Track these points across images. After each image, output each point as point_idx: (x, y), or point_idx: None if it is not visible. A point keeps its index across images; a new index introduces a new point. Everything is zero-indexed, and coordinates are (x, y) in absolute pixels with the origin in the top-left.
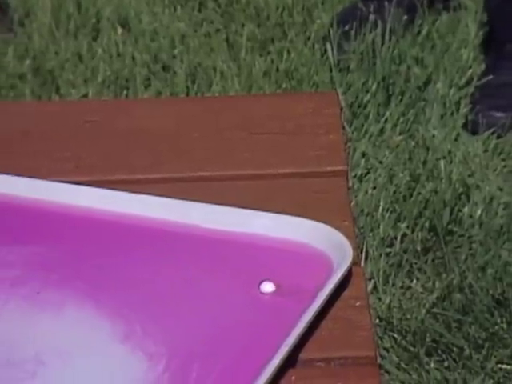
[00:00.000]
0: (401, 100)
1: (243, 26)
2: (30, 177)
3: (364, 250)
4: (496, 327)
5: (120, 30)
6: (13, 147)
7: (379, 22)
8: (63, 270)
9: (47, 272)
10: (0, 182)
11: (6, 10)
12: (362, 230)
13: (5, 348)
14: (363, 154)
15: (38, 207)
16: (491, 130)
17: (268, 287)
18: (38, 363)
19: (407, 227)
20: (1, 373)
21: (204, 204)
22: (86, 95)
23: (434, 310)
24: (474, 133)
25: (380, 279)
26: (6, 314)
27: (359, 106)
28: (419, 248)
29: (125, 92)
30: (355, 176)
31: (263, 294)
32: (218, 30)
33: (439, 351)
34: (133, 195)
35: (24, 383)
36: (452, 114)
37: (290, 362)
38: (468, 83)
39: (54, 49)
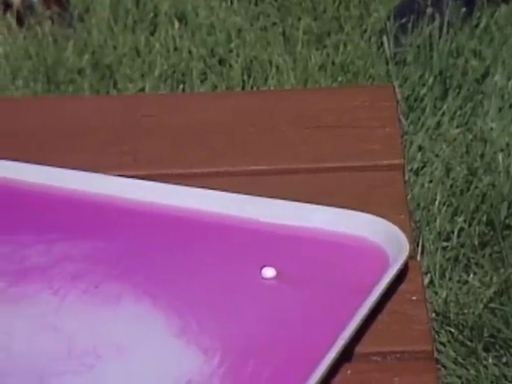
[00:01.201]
0: (458, 93)
1: (299, 19)
2: (89, 171)
3: (420, 244)
4: None
5: (177, 25)
6: (71, 141)
7: (437, 15)
8: (122, 264)
9: (106, 266)
10: (59, 177)
11: (66, 6)
12: (418, 224)
13: (66, 341)
14: (420, 148)
15: (96, 201)
16: None
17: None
18: (95, 357)
19: (464, 221)
20: (61, 365)
21: (261, 198)
22: (142, 89)
23: (492, 304)
24: None
25: (436, 273)
26: (66, 308)
27: (416, 100)
28: (476, 242)
29: (181, 86)
30: (411, 169)
31: (317, 288)
32: (274, 24)
33: (497, 346)
34: (189, 189)
35: (82, 376)
36: (510, 106)
37: (345, 356)
38: None
39: (112, 44)
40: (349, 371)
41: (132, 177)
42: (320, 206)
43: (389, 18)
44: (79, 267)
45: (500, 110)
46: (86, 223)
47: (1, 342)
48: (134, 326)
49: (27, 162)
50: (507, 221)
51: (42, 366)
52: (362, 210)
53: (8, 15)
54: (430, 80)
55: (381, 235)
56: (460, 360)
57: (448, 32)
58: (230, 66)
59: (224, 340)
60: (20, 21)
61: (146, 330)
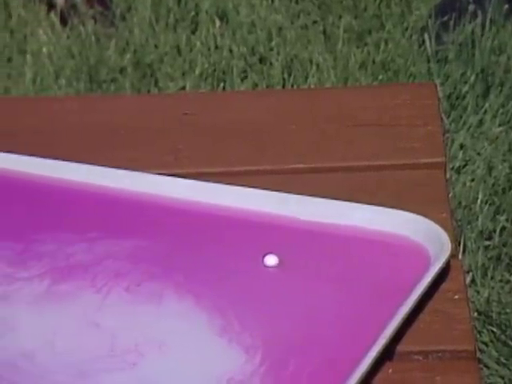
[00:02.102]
0: (500, 91)
1: (340, 17)
2: (130, 169)
3: (462, 242)
4: None
5: (218, 23)
6: (113, 140)
7: (479, 12)
8: (164, 262)
9: (148, 264)
10: (102, 175)
11: (108, 5)
12: (459, 223)
13: (108, 338)
14: (461, 146)
15: (138, 200)
16: None
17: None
18: (137, 354)
19: (506, 220)
20: (103, 362)
21: (301, 196)
22: (183, 88)
23: None
24: None
25: (478, 272)
26: (109, 306)
27: (457, 98)
28: None
29: (222, 84)
30: (453, 168)
31: (359, 286)
32: (314, 22)
33: None
34: (230, 187)
35: (124, 374)
36: None
37: (387, 354)
38: None
39: (154, 42)
40: (390, 370)
41: (173, 175)
42: (360, 205)
43: (430, 16)
44: (121, 265)
45: None
46: (127, 222)
47: (44, 339)
48: (176, 324)
49: (69, 160)
50: None
51: (84, 363)
52: (403, 209)
53: (52, 15)
54: (472, 78)
55: (422, 234)
56: (503, 360)
57: (490, 29)
58: (271, 64)
59: (265, 339)
60: (63, 20)
61: (188, 328)
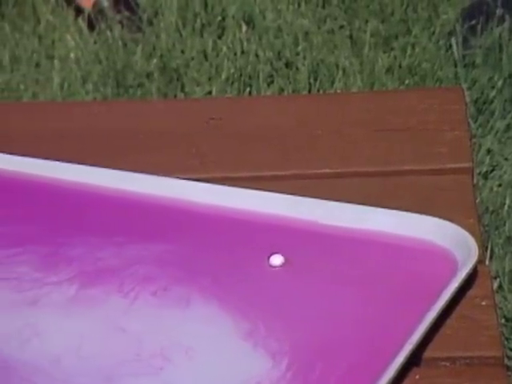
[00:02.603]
0: None
1: (367, 21)
2: (157, 174)
3: (489, 248)
4: None
5: (244, 28)
6: (139, 144)
7: (507, 17)
8: (191, 266)
9: (175, 269)
10: (128, 180)
11: (135, 10)
12: (486, 228)
13: (134, 343)
14: (488, 151)
15: (165, 204)
16: None
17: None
18: (163, 359)
19: None
20: (130, 367)
21: (325, 201)
22: (209, 93)
23: None
24: None
25: (506, 278)
26: (136, 310)
27: (484, 102)
28: None
29: (248, 89)
30: (480, 173)
31: (386, 291)
32: (341, 27)
33: None
34: (254, 192)
35: (150, 378)
36: None
37: (414, 360)
38: None
39: (180, 47)
40: (417, 376)
41: (198, 180)
42: (387, 210)
43: (458, 20)
44: (149, 270)
45: None
46: (155, 226)
47: (71, 343)
48: (203, 328)
49: (96, 164)
50: None
51: (110, 367)
52: (430, 214)
53: (79, 20)
54: (500, 82)
55: (449, 239)
56: None
57: None
58: (297, 69)
59: (292, 343)
60: (91, 25)
61: (214, 332)
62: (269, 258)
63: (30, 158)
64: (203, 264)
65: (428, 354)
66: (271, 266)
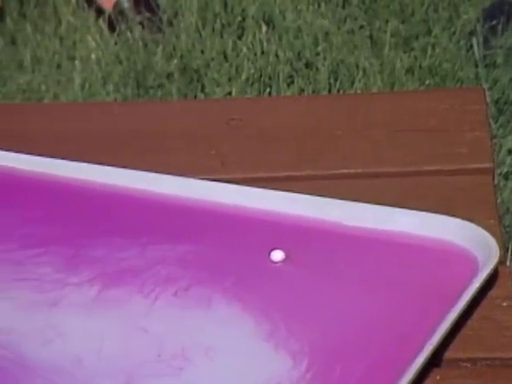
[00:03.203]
0: None
1: (387, 22)
2: (177, 175)
3: (510, 249)
4: None
5: (264, 28)
6: (159, 145)
7: None
8: (212, 267)
9: (197, 269)
10: (149, 181)
11: (155, 11)
12: (507, 229)
13: (156, 343)
14: (509, 151)
15: (186, 205)
16: None
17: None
18: (184, 359)
19: None
20: (151, 368)
21: (345, 201)
22: (229, 93)
23: None
24: None
25: None
26: (157, 311)
27: (505, 103)
28: None
29: (268, 90)
30: (501, 173)
31: (406, 292)
32: (361, 27)
33: None
34: (275, 192)
35: (171, 379)
36: None
37: (434, 361)
38: None
39: (200, 48)
40: (438, 377)
41: (219, 180)
42: (407, 210)
43: (478, 20)
44: (171, 270)
45: None
46: (176, 227)
47: (93, 344)
48: (224, 329)
49: (116, 165)
50: None
51: (131, 368)
52: (451, 215)
53: (100, 21)
54: None
55: (470, 240)
56: None
57: None
58: (317, 69)
59: (312, 344)
60: (112, 26)
61: (235, 333)
62: (290, 258)
63: (52, 158)
64: (226, 265)
65: (449, 354)
66: (294, 267)
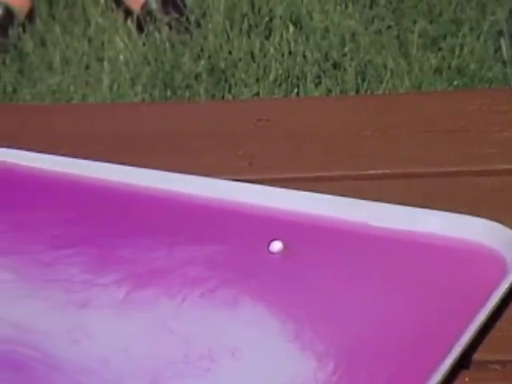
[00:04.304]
0: None
1: (415, 22)
2: (205, 175)
3: None
4: None
5: (292, 29)
6: (187, 146)
7: None
8: (239, 268)
9: (224, 270)
10: (177, 181)
11: (183, 12)
12: None
13: (183, 344)
14: None
15: (213, 205)
16: None
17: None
18: (210, 360)
19: None
20: (178, 369)
21: (371, 202)
22: (257, 94)
23: None
24: None
25: None
26: (184, 312)
27: None
28: None
29: (295, 90)
30: None
31: (433, 293)
32: (389, 27)
33: None
34: (301, 192)
35: (197, 380)
36: None
37: (463, 362)
38: None
39: (228, 48)
40: (467, 379)
41: (247, 181)
42: (435, 211)
43: (506, 20)
44: (199, 271)
45: None
46: (203, 228)
47: (120, 345)
48: (250, 330)
49: (145, 166)
50: None
51: (158, 369)
52: (479, 215)
53: (128, 22)
54: None
55: (498, 240)
56: None
57: None
58: (345, 69)
59: (338, 345)
60: (140, 27)
61: (261, 334)
62: (315, 260)
63: (80, 159)
64: (252, 266)
65: (478, 356)
66: (319, 269)
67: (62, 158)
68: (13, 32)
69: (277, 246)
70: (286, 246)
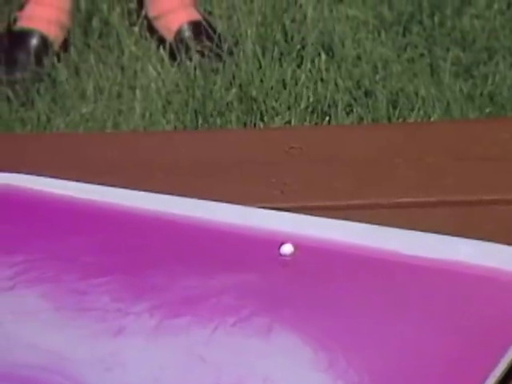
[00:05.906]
0: None
1: (448, 50)
2: (237, 203)
3: None
4: None
5: (324, 56)
6: (219, 174)
7: None
8: (272, 297)
9: (257, 299)
10: (208, 209)
11: (216, 40)
12: None
13: (214, 373)
14: None
15: (245, 234)
16: None
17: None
18: None
19: None
20: None
21: (403, 230)
22: (289, 122)
23: None
24: None
25: None
26: (216, 340)
27: None
28: None
29: (327, 118)
30: None
31: (466, 323)
32: (421, 55)
33: None
34: (332, 221)
35: None
36: None
37: None
38: None
39: (259, 76)
40: None
41: (279, 209)
42: (468, 239)
43: None
44: (231, 300)
45: None
46: (236, 256)
47: (151, 373)
48: (282, 359)
49: (177, 194)
50: None
51: None
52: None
53: (161, 50)
54: None
55: None
56: None
57: None
58: (376, 97)
59: (371, 376)
60: (172, 55)
61: (293, 363)
62: (346, 288)
63: (115, 187)
64: (285, 295)
65: None
66: (350, 296)
67: (95, 187)
68: (47, 61)
69: (287, 248)
70: (320, 276)
